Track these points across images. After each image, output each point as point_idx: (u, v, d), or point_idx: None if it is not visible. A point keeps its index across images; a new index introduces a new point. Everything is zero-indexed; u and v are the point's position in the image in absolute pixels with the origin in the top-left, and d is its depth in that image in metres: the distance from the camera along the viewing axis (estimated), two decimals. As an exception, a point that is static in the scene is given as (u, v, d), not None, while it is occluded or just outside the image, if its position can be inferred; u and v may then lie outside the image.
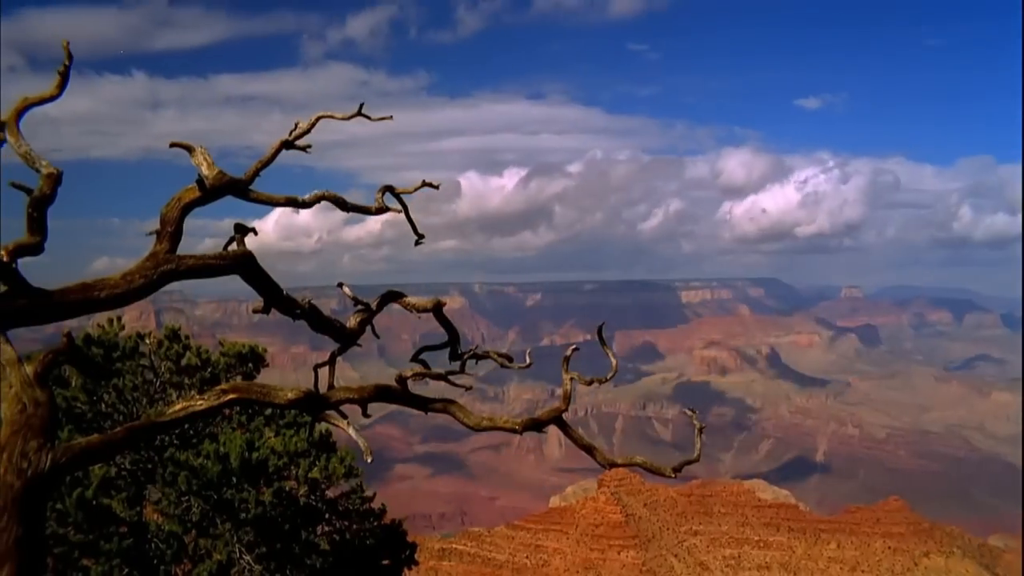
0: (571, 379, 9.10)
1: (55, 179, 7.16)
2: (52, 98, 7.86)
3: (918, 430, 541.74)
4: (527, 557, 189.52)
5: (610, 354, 9.56)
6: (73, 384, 18.87)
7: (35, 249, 6.90)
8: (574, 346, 9.48)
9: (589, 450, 9.29)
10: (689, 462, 9.41)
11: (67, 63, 7.75)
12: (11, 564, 5.49)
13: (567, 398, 8.98)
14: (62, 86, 7.85)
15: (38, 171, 7.25)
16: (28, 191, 7.01)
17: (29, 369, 6.31)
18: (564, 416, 8.94)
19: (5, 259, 6.61)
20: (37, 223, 6.97)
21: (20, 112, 7.76)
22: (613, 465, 9.47)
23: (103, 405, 19.15)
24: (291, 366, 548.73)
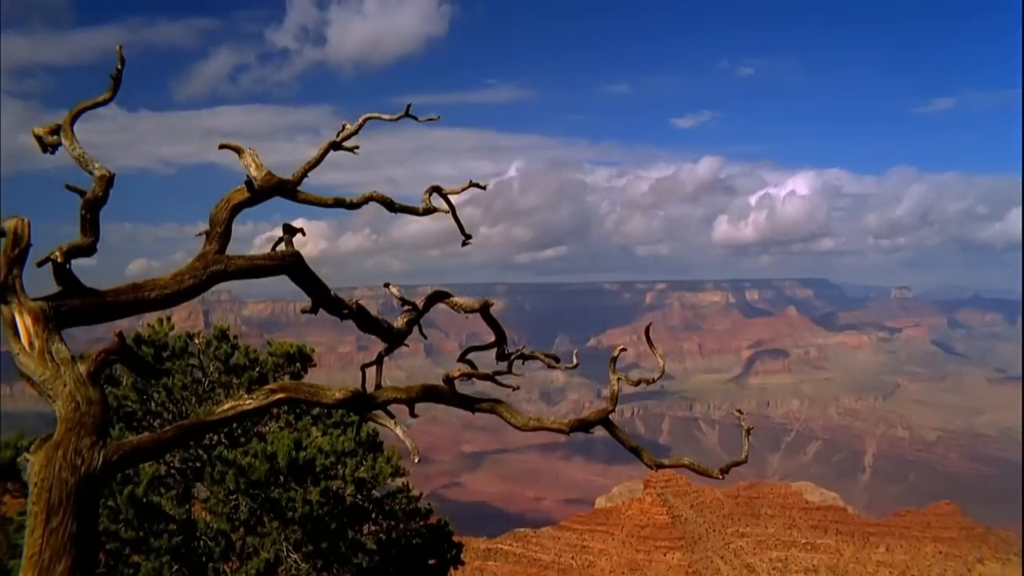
0: (618, 380, 9.05)
1: (108, 181, 7.24)
2: (105, 102, 7.95)
3: (970, 433, 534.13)
4: (573, 558, 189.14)
5: (657, 355, 9.50)
6: (124, 383, 19.10)
7: (88, 250, 6.99)
8: (621, 347, 9.43)
9: (636, 451, 9.23)
10: (737, 463, 9.33)
11: (119, 67, 7.83)
12: (68, 558, 5.56)
13: (614, 399, 8.93)
14: (115, 90, 7.94)
15: (91, 173, 7.34)
16: (81, 193, 7.10)
17: (82, 368, 6.38)
18: (611, 417, 8.90)
19: (59, 260, 6.70)
20: (90, 224, 7.06)
21: (75, 116, 7.86)
22: (660, 466, 9.39)
23: (153, 404, 19.37)
24: (337, 366, 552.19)
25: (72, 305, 6.69)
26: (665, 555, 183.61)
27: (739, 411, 9.96)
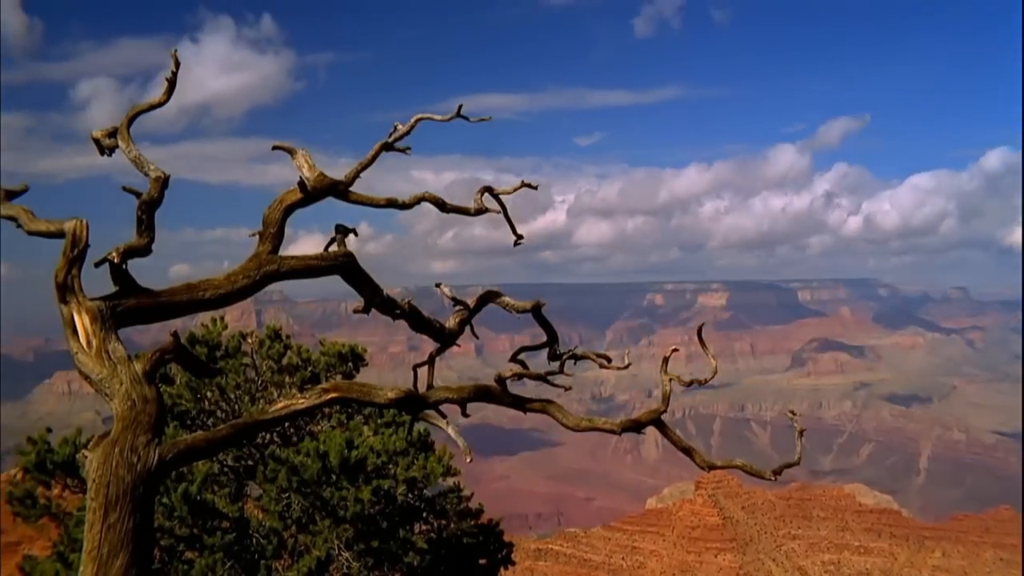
0: (670, 380, 8.99)
1: (163, 183, 7.33)
2: (161, 104, 8.05)
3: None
4: (623, 558, 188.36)
5: (709, 355, 9.42)
6: (178, 382, 19.30)
7: (144, 251, 7.08)
8: (673, 347, 9.37)
9: (688, 452, 9.17)
10: (790, 465, 9.23)
11: (174, 70, 7.93)
12: (125, 553, 5.63)
13: (666, 399, 8.88)
14: (170, 92, 8.03)
15: (147, 175, 7.44)
16: (137, 194, 7.20)
17: (138, 367, 6.45)
18: (663, 417, 8.85)
19: (116, 260, 6.79)
20: (146, 225, 7.14)
21: (131, 119, 7.98)
22: (712, 467, 9.32)
23: (206, 403, 19.56)
24: (389, 365, 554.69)
25: (128, 305, 6.78)
26: (716, 557, 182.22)
27: (792, 412, 9.85)
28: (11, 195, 7.47)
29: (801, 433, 9.30)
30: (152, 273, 7.01)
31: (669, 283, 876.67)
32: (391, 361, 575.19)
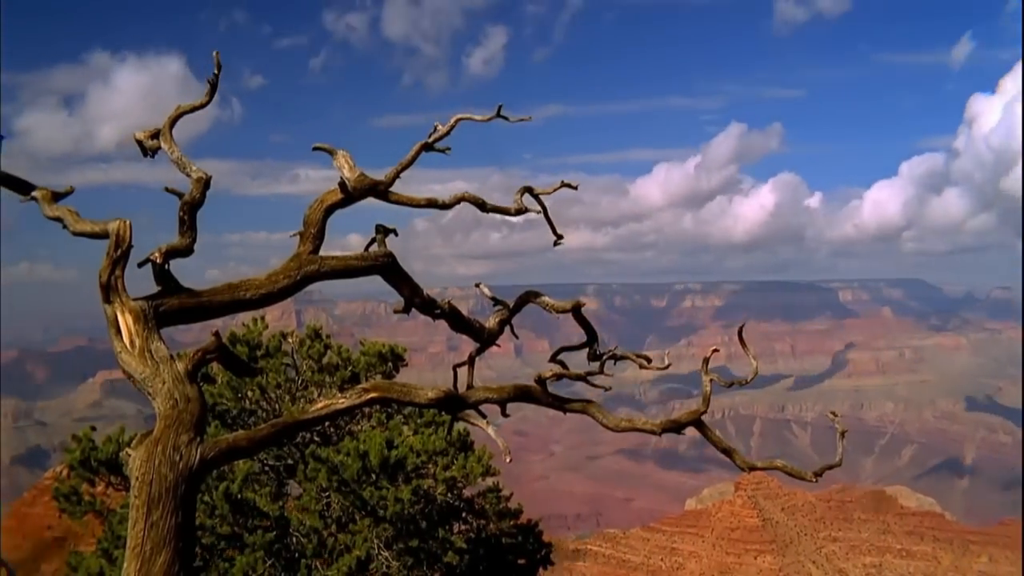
0: (710, 381, 8.93)
1: (205, 184, 7.39)
2: (203, 105, 8.12)
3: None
4: (662, 560, 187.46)
5: (750, 355, 9.34)
6: (219, 381, 19.45)
7: (186, 251, 7.14)
8: (714, 348, 9.32)
9: (728, 453, 9.11)
10: (831, 467, 9.11)
11: (216, 72, 7.98)
12: (168, 550, 5.68)
13: (706, 400, 8.82)
14: (211, 94, 8.09)
15: (188, 176, 7.50)
16: (179, 195, 7.26)
17: (180, 366, 6.50)
18: (703, 418, 8.80)
19: (159, 261, 6.86)
20: (188, 226, 7.20)
21: (174, 120, 8.05)
22: (753, 468, 9.25)
23: (247, 402, 19.69)
24: (428, 365, 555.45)
25: (170, 305, 6.84)
26: (756, 558, 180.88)
27: (833, 413, 9.73)
28: (57, 197, 7.56)
29: (843, 434, 9.19)
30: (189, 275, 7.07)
31: (708, 282, 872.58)
32: (431, 361, 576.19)
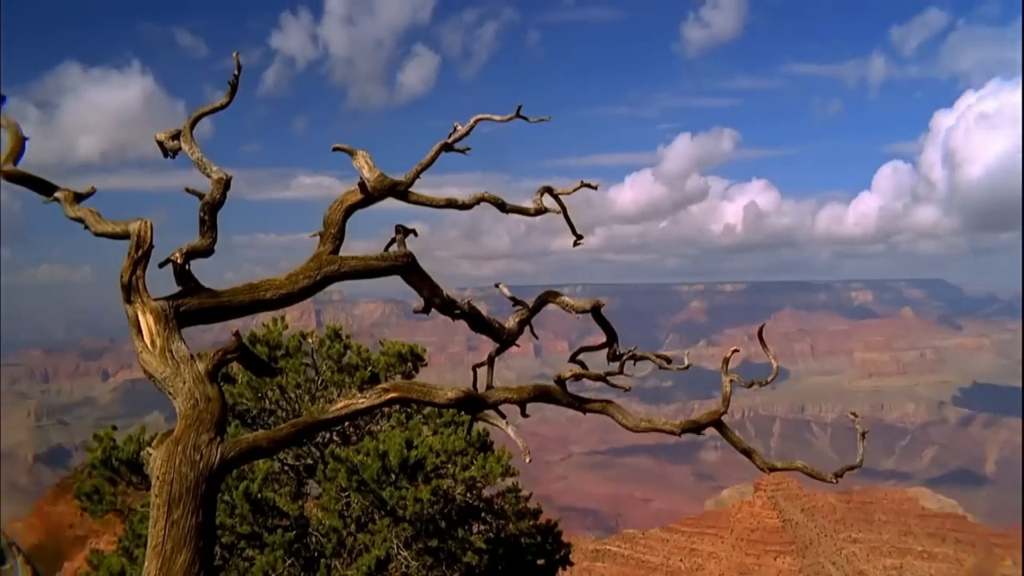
0: (730, 381, 8.91)
1: (225, 184, 7.42)
2: (223, 107, 8.14)
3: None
4: (681, 560, 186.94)
5: (770, 356, 9.30)
6: (239, 381, 19.51)
7: (207, 251, 7.17)
8: (734, 348, 9.28)
9: (748, 454, 9.08)
10: (852, 468, 9.08)
11: (237, 73, 8.00)
12: (188, 549, 5.72)
13: (726, 401, 8.80)
14: (232, 95, 8.12)
15: (209, 176, 7.53)
16: (200, 196, 7.29)
17: (201, 366, 6.53)
18: (722, 419, 8.77)
19: (179, 261, 6.89)
20: (208, 226, 7.23)
21: (195, 121, 8.08)
22: (773, 469, 9.22)
23: (267, 402, 19.74)
24: (448, 365, 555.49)
25: (191, 305, 6.88)
26: (775, 559, 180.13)
27: (853, 414, 9.67)
28: (79, 197, 7.60)
29: (863, 435, 9.16)
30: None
31: (727, 283, 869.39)
32: (450, 361, 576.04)
